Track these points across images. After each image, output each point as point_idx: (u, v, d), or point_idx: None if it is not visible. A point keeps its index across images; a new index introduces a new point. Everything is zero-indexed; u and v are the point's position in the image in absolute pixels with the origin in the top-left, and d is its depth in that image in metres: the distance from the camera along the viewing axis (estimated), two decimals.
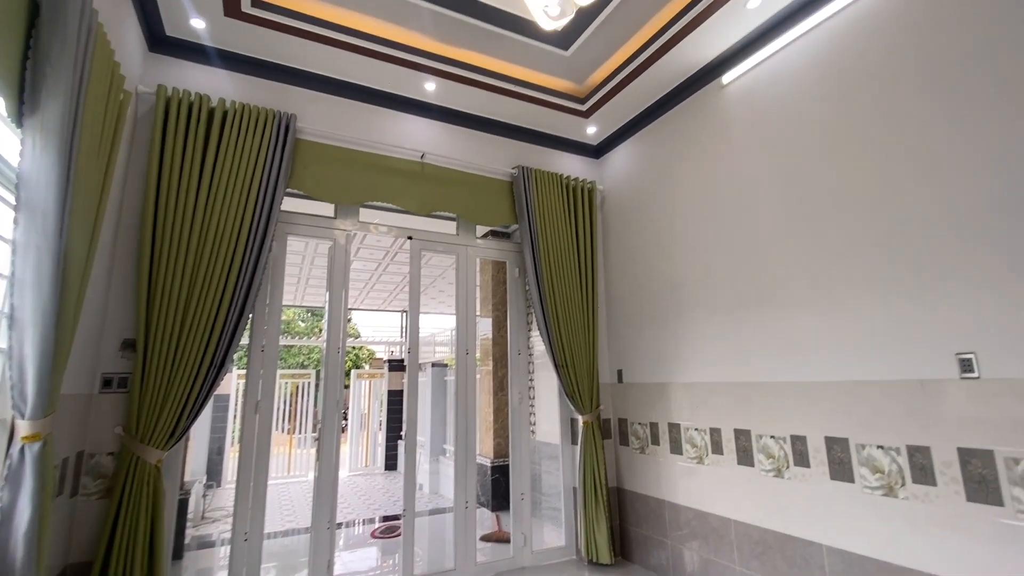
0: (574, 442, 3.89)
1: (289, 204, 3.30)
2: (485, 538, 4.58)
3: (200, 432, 7.21)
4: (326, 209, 3.54)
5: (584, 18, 2.99)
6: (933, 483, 2.10)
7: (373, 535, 5.01)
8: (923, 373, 2.16)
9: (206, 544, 4.94)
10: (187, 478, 5.33)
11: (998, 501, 1.91)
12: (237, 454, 3.01)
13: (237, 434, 6.72)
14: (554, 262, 3.80)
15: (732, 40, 3.08)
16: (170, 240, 2.66)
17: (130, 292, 2.65)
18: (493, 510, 5.45)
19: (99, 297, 2.51)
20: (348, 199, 3.38)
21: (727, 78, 3.21)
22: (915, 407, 2.18)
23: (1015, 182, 1.93)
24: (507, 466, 5.32)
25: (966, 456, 2.01)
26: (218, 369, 2.73)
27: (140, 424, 2.46)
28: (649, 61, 3.27)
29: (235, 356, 3.04)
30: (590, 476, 3.64)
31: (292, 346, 18.40)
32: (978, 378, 1.99)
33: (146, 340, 2.55)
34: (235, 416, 8.24)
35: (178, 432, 2.55)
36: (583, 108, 3.90)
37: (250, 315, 2.94)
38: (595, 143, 4.43)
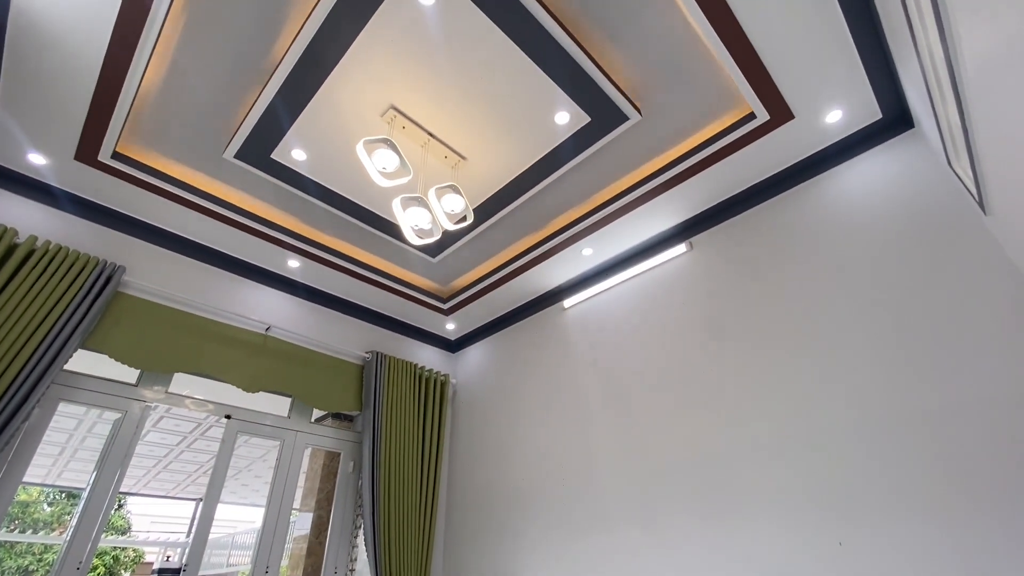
0: None
1: (81, 363, 2.75)
2: None
3: None
4: (128, 373, 2.99)
5: (450, 237, 3.38)
6: None
7: None
8: None
9: None
10: None
11: None
12: None
13: None
14: (395, 459, 3.52)
15: (571, 275, 3.68)
16: None
17: None
18: None
19: None
20: (163, 367, 2.92)
21: (567, 303, 3.73)
22: None
23: (786, 418, 2.38)
24: None
25: None
26: None
27: None
28: (505, 279, 3.71)
29: None
30: None
31: (17, 543, 13.20)
32: None
33: None
34: None
35: None
36: (444, 306, 4.14)
37: None
38: (453, 338, 4.62)
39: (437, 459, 3.81)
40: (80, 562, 2.50)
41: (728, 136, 2.58)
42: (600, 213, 3.09)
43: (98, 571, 12.05)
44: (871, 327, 2.26)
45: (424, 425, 3.87)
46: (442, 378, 4.20)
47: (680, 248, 3.16)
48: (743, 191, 2.92)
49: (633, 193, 2.94)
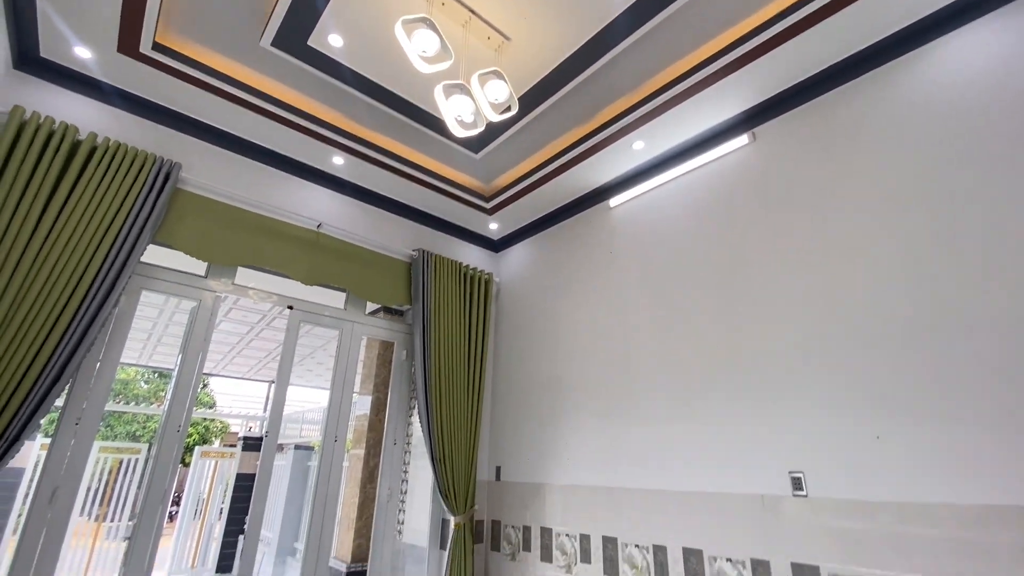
0: (443, 546, 3.62)
1: (153, 255, 2.96)
2: None
3: None
4: (197, 266, 3.21)
5: (493, 131, 3.25)
6: None
7: None
8: (764, 488, 2.37)
9: None
10: None
11: None
12: (14, 549, 2.36)
13: (21, 522, 5.29)
14: (444, 350, 3.74)
15: (620, 171, 3.51)
16: None
17: None
18: None
19: None
20: (227, 260, 3.11)
21: (614, 201, 3.61)
22: (758, 521, 2.36)
23: (838, 315, 2.33)
24: (365, 572, 4.74)
25: (798, 572, 2.18)
26: (8, 445, 2.19)
27: None
28: (549, 176, 3.59)
29: (42, 421, 2.48)
30: None
31: (124, 412, 15.48)
32: (806, 496, 2.23)
33: None
34: (27, 497, 6.54)
35: None
36: (487, 206, 4.11)
37: (71, 380, 2.47)
38: (496, 238, 4.64)
39: (482, 350, 4.02)
40: (179, 426, 2.89)
41: (811, 3, 2.24)
42: (654, 101, 2.86)
43: (192, 437, 14.06)
44: (955, 226, 2.08)
45: (470, 320, 4.04)
46: (486, 276, 4.29)
47: (742, 139, 2.92)
48: (819, 72, 2.59)
49: (693, 76, 2.67)
